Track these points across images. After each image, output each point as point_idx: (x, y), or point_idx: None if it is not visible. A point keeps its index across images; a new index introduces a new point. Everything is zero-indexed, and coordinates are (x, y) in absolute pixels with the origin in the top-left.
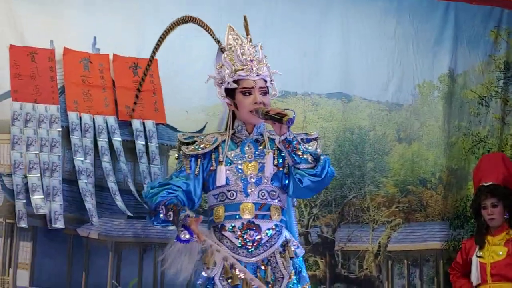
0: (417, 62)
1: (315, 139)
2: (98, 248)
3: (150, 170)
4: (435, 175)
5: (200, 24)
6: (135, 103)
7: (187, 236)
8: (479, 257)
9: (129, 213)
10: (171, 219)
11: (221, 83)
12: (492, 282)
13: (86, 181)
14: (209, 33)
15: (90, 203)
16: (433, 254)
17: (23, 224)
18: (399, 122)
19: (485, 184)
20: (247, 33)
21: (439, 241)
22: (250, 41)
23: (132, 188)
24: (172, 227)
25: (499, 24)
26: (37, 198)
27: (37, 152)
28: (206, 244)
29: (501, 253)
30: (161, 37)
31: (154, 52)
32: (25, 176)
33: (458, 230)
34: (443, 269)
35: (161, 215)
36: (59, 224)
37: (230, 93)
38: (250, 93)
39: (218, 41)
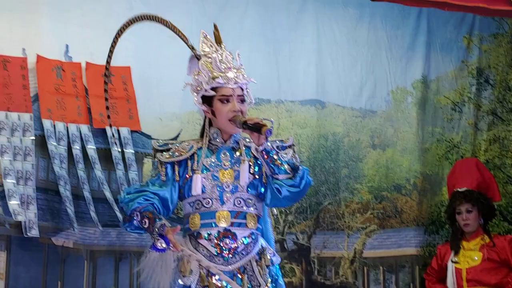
0: (390, 69)
1: (290, 146)
2: (73, 256)
3: (127, 176)
4: (410, 181)
5: (172, 28)
6: (107, 108)
7: (164, 245)
8: (454, 262)
9: (100, 228)
10: (146, 226)
11: (198, 90)
12: (468, 287)
13: (64, 187)
14: (182, 38)
15: (70, 209)
16: (408, 260)
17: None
18: (373, 129)
19: (460, 190)
20: (218, 41)
21: (414, 247)
22: (221, 46)
23: (108, 195)
24: (148, 235)
25: (471, 30)
26: (14, 203)
27: (11, 159)
28: (184, 254)
29: (476, 258)
30: (125, 25)
31: (117, 36)
32: (1, 185)
33: (433, 236)
34: (419, 274)
35: (135, 222)
36: (34, 233)
37: (207, 100)
38: (228, 101)
39: (192, 47)
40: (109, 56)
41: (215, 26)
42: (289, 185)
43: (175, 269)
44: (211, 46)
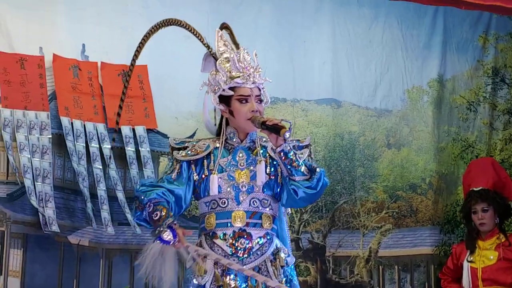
0: (406, 68)
1: (307, 146)
2: (89, 255)
3: (143, 174)
4: (425, 180)
5: (187, 27)
6: (119, 113)
7: (170, 236)
8: (470, 262)
9: (109, 230)
10: (156, 218)
11: (216, 89)
12: (484, 287)
13: (82, 183)
14: (197, 37)
15: (89, 206)
16: (424, 259)
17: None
18: (389, 128)
19: (475, 189)
20: (234, 42)
21: (429, 246)
22: (238, 47)
23: (121, 196)
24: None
25: (487, 29)
26: (33, 201)
27: (29, 156)
28: (190, 250)
29: (492, 257)
30: (143, 39)
31: (136, 53)
32: (22, 183)
33: (448, 235)
34: (434, 274)
35: (144, 213)
36: (55, 229)
37: (224, 100)
38: (247, 101)
39: (208, 46)
40: (132, 64)
41: (227, 27)
42: (306, 186)
43: (190, 269)
44: (226, 44)
